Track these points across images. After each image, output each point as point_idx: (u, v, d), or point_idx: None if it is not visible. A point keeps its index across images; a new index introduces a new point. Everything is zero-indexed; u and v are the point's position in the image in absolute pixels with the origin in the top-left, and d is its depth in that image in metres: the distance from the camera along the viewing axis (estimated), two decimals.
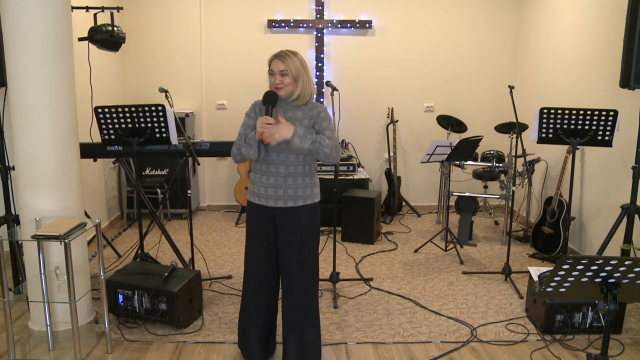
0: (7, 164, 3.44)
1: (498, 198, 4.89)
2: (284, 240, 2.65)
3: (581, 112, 3.61)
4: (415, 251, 4.73)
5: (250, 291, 2.77)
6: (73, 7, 3.67)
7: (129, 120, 3.41)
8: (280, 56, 2.55)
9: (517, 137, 4.25)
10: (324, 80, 5.67)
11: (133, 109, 3.38)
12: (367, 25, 5.78)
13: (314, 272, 2.72)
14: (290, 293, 2.69)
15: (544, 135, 3.77)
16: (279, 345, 2.93)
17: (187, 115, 5.50)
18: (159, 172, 5.54)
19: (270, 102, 2.53)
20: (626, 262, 1.85)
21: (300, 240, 2.64)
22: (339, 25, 5.77)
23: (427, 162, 4.57)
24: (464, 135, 5.39)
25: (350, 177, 5.39)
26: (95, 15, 4.00)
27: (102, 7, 4.06)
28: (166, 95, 3.61)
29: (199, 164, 4.24)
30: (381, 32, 5.87)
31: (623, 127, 3.75)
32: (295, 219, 2.61)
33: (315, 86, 5.92)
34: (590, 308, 3.16)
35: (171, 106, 3.50)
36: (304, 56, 5.79)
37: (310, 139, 2.44)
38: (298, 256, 2.64)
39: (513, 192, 4.25)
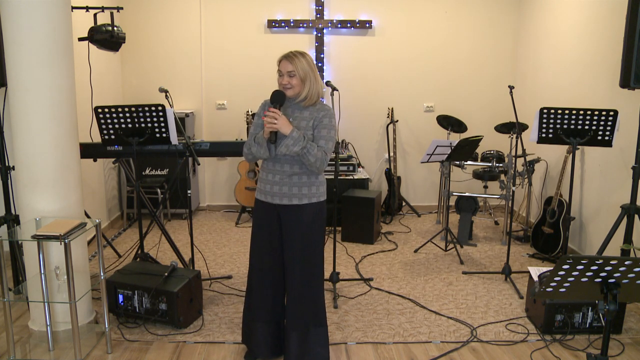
0: (7, 164, 3.44)
1: (498, 198, 4.89)
2: (288, 237, 2.68)
3: (581, 112, 3.61)
4: (415, 251, 4.73)
5: (255, 288, 2.78)
6: (73, 7, 3.67)
7: (129, 120, 3.41)
8: (289, 57, 2.60)
9: (517, 137, 4.25)
10: (324, 80, 5.67)
11: (133, 109, 3.38)
12: (367, 25, 5.78)
13: (318, 270, 2.74)
14: (294, 290, 2.70)
15: (544, 135, 3.77)
16: None
17: (187, 115, 5.50)
18: (159, 172, 5.54)
19: (277, 101, 2.58)
20: (626, 262, 1.85)
21: (305, 238, 2.66)
22: (339, 25, 5.77)
23: (427, 162, 4.57)
24: (464, 135, 5.39)
25: (350, 177, 5.39)
26: (95, 15, 4.00)
27: (102, 7, 4.06)
28: (166, 95, 3.61)
29: (199, 164, 4.24)
30: (381, 32, 5.87)
31: (623, 127, 3.75)
32: (299, 217, 2.65)
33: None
34: (590, 308, 3.15)
35: (171, 106, 3.50)
36: None
37: (301, 145, 2.51)
38: (302, 253, 2.66)
39: (513, 192, 4.25)
